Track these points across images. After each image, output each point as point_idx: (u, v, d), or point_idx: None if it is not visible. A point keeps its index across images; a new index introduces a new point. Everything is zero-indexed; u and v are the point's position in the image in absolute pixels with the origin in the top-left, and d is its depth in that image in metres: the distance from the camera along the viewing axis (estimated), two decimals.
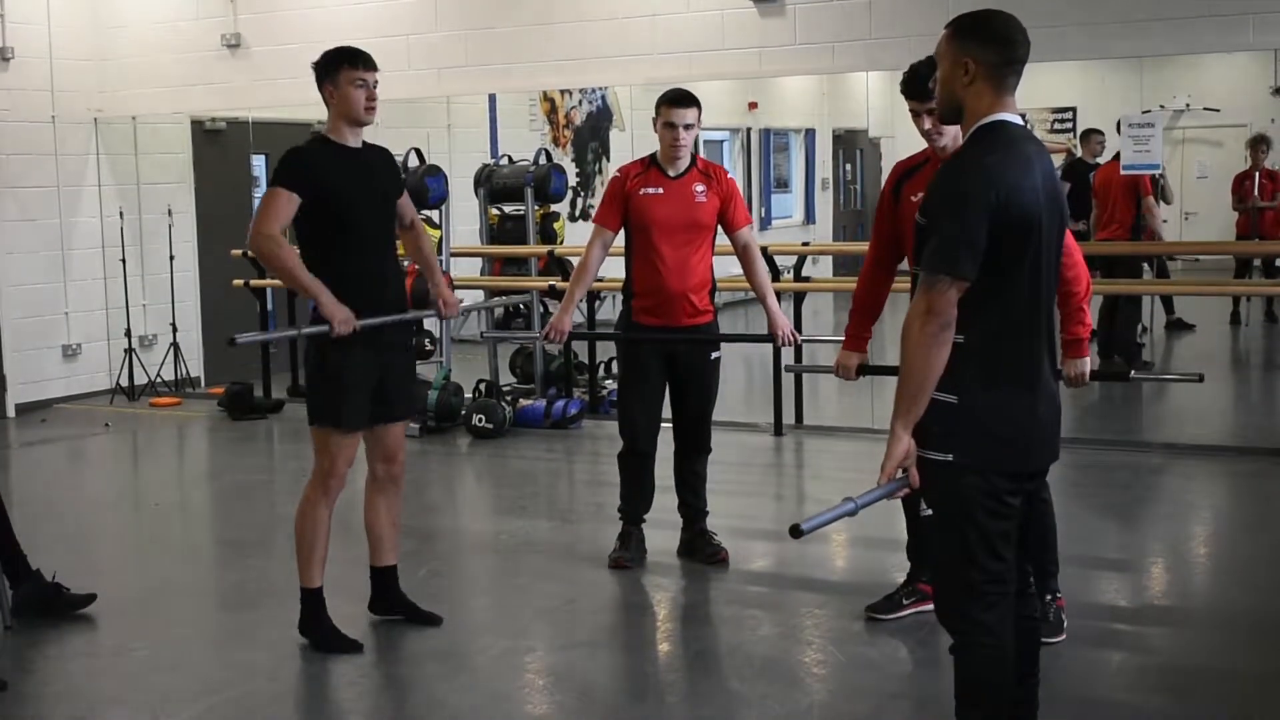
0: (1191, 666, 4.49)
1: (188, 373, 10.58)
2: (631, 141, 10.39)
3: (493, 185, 9.22)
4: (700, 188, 5.47)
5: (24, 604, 5.07)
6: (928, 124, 4.33)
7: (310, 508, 4.69)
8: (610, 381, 8.96)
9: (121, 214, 10.31)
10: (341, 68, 4.58)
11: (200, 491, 8.14)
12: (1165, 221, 9.83)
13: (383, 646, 4.76)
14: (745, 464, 7.83)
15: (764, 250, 8.68)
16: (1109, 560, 5.66)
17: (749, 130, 14.48)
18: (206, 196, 10.81)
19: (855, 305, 4.78)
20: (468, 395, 8.82)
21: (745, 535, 5.96)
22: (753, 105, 14.24)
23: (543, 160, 9.24)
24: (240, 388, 9.62)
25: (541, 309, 9.21)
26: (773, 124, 14.77)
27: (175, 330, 10.41)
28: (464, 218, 9.75)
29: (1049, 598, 4.57)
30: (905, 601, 4.86)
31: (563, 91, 11.97)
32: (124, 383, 10.28)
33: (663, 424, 5.66)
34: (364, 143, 4.73)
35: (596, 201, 5.74)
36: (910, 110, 4.46)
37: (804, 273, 8.82)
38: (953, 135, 4.21)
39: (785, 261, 8.67)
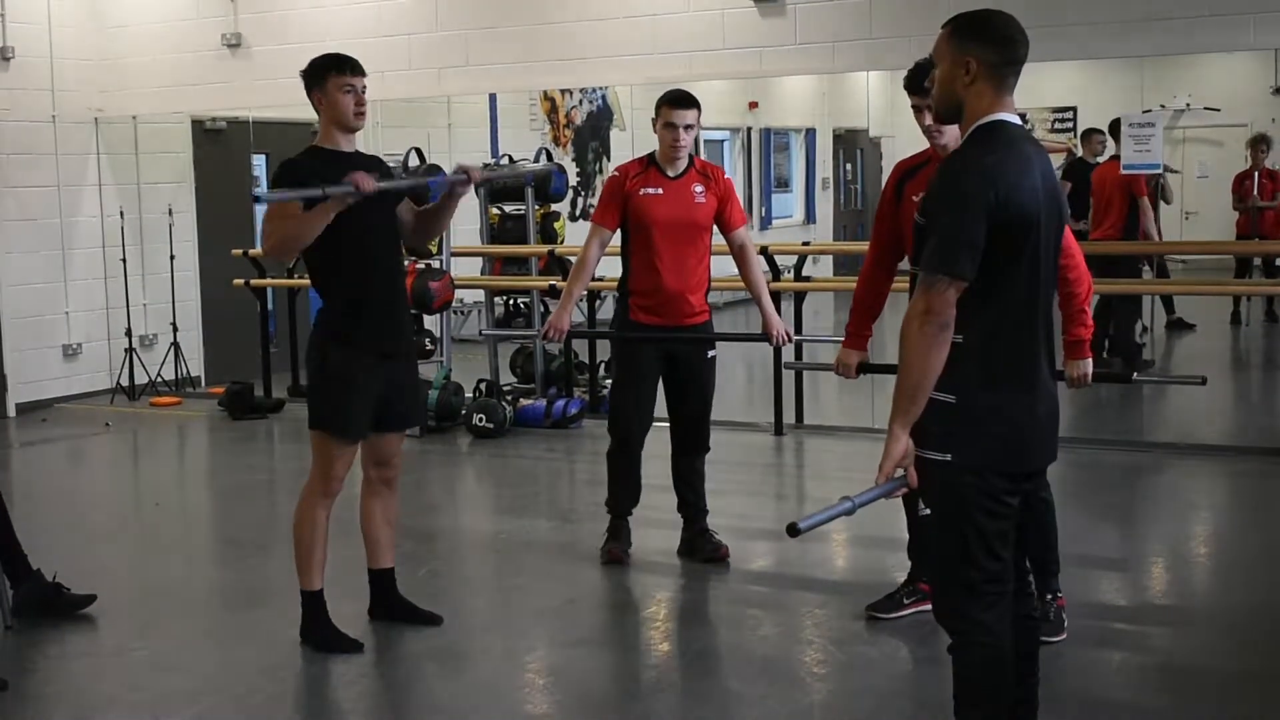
0: (1191, 666, 4.49)
1: (188, 372, 10.58)
2: (632, 141, 10.39)
3: (493, 185, 9.22)
4: (699, 188, 5.49)
5: (24, 604, 5.07)
6: (929, 119, 4.33)
7: (308, 510, 4.68)
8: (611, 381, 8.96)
9: (122, 213, 10.31)
10: (329, 74, 4.57)
11: (200, 491, 8.15)
12: (1159, 214, 9.80)
13: (383, 646, 4.76)
14: (745, 464, 7.82)
15: (764, 250, 8.74)
16: (1109, 560, 5.66)
17: (749, 130, 14.47)
18: (207, 196, 10.81)
19: (855, 304, 4.78)
20: (468, 395, 8.82)
21: (745, 535, 5.96)
22: (753, 105, 14.22)
23: (543, 160, 9.24)
24: (241, 387, 9.62)
25: (542, 308, 9.21)
26: (773, 124, 14.75)
27: (176, 330, 10.41)
28: (465, 217, 9.74)
29: (1050, 597, 4.57)
30: (906, 601, 4.86)
31: (563, 91, 11.97)
32: (124, 382, 10.28)
33: (657, 424, 5.66)
34: (356, 151, 4.72)
35: (597, 201, 5.74)
36: (913, 106, 4.46)
37: (804, 272, 8.82)
38: (953, 134, 4.21)
39: (786, 261, 8.67)
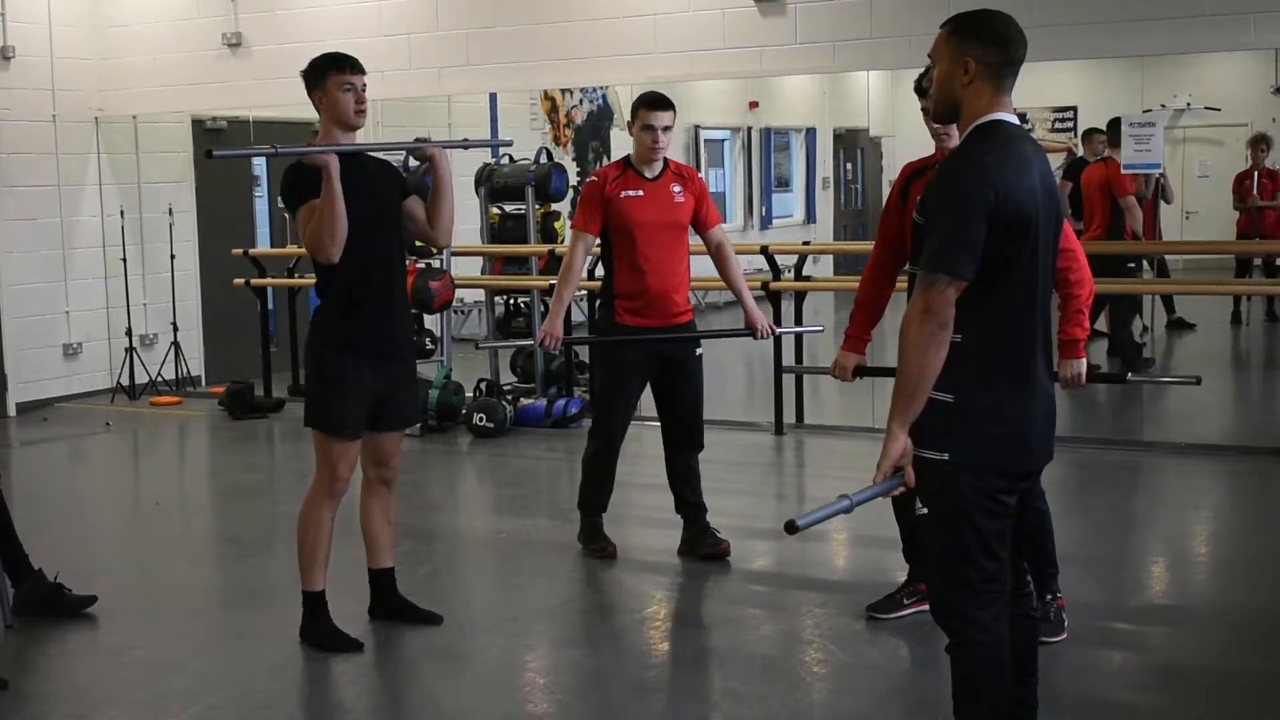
0: (1191, 666, 4.49)
1: (188, 372, 10.58)
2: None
3: (493, 184, 9.22)
4: (677, 188, 5.56)
5: (25, 603, 5.08)
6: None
7: (313, 511, 4.69)
8: None
9: (122, 213, 10.31)
10: (328, 73, 4.57)
11: (201, 490, 8.15)
12: (1159, 215, 9.80)
13: (383, 646, 4.76)
14: (746, 463, 7.83)
15: (765, 250, 8.76)
16: (1109, 560, 5.66)
17: (750, 129, 14.48)
18: (207, 196, 10.81)
19: (856, 306, 4.77)
20: (468, 394, 8.82)
21: (746, 534, 5.96)
22: (753, 104, 14.23)
23: (543, 159, 9.24)
24: (241, 387, 9.63)
25: (542, 308, 9.21)
26: (773, 123, 14.75)
27: (176, 329, 10.42)
28: (465, 216, 9.74)
29: (1049, 597, 4.57)
30: (906, 601, 4.86)
31: (563, 90, 11.97)
32: (125, 382, 10.29)
33: (649, 424, 5.67)
34: (360, 149, 4.72)
35: (576, 206, 5.77)
36: (922, 108, 4.45)
37: (804, 272, 8.82)
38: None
39: (786, 261, 8.67)
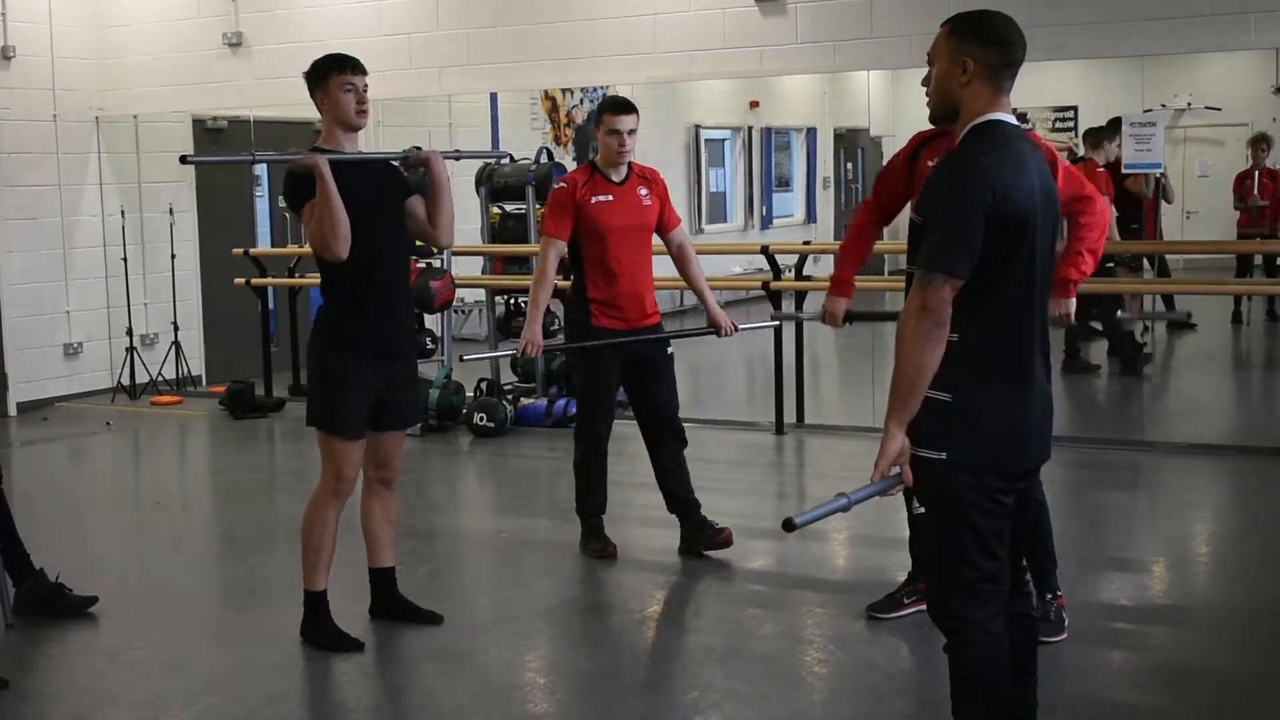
0: (1192, 666, 4.49)
1: (189, 371, 10.58)
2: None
3: (494, 184, 9.22)
4: (644, 191, 5.66)
5: (26, 603, 5.08)
6: None
7: (319, 511, 4.69)
8: None
9: (123, 212, 10.32)
10: (330, 73, 4.58)
11: (201, 490, 8.15)
12: (1160, 214, 9.78)
13: (384, 645, 4.77)
14: (746, 463, 7.83)
15: (765, 249, 8.76)
16: (1109, 559, 5.67)
17: (750, 129, 14.48)
18: (208, 195, 10.81)
19: (843, 252, 4.81)
20: (469, 394, 8.83)
21: (746, 534, 5.95)
22: (754, 104, 14.23)
23: (544, 159, 9.24)
24: (241, 386, 9.63)
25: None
26: (774, 123, 14.75)
27: (176, 329, 10.42)
28: (465, 216, 9.74)
29: (1049, 597, 4.57)
30: (906, 600, 4.86)
31: (564, 90, 11.97)
32: (125, 381, 10.29)
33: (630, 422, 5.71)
34: (360, 151, 4.72)
35: (545, 213, 5.80)
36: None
37: (805, 272, 8.82)
38: None
39: (786, 260, 8.68)
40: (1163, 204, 9.75)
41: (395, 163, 4.82)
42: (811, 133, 15.12)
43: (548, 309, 7.22)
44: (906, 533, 5.00)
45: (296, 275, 9.98)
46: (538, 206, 9.24)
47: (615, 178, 5.62)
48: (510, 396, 8.87)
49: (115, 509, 7.36)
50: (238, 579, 5.85)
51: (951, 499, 3.09)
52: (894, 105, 12.02)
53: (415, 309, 7.93)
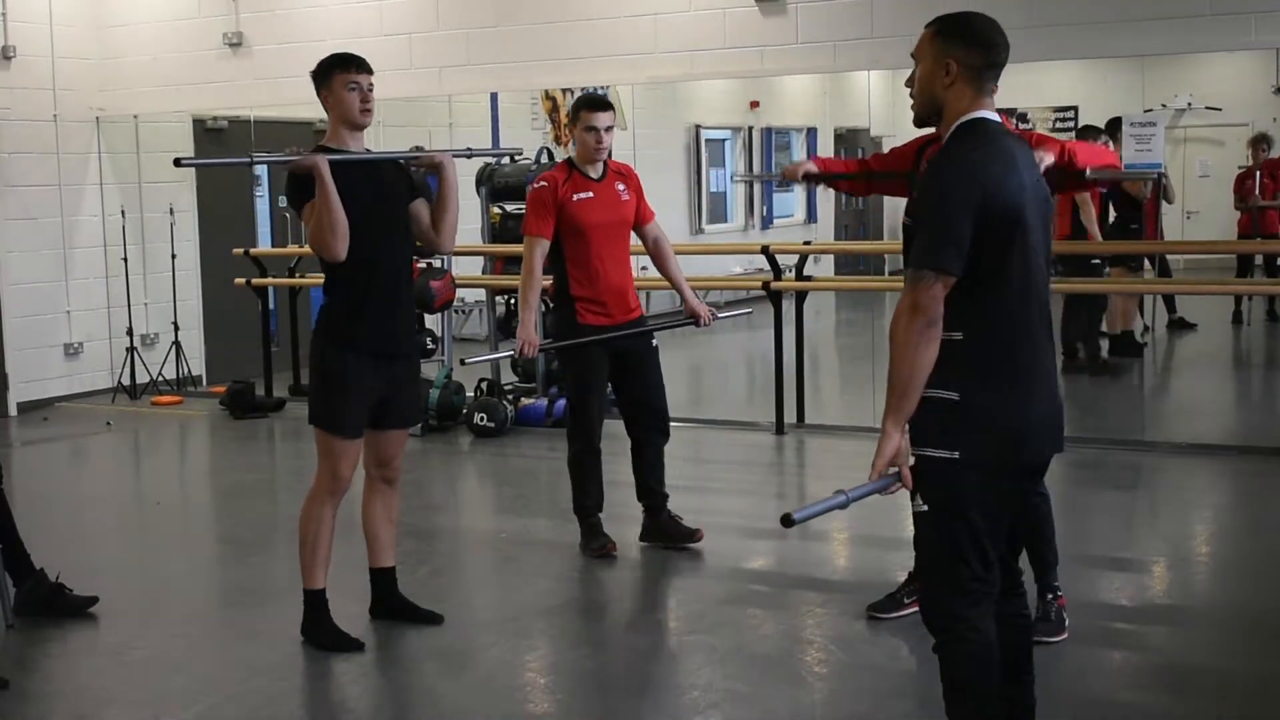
0: (1192, 666, 4.49)
1: (189, 371, 10.59)
2: (633, 140, 10.40)
3: (494, 184, 9.22)
4: (621, 187, 5.75)
5: (26, 602, 5.08)
6: None
7: (315, 508, 4.69)
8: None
9: (123, 212, 10.32)
10: (335, 72, 4.60)
11: (201, 490, 8.15)
12: (1160, 214, 9.78)
13: (384, 645, 4.77)
14: (746, 463, 7.83)
15: (765, 249, 8.76)
16: (1110, 559, 5.66)
17: (750, 129, 14.48)
18: (208, 195, 10.82)
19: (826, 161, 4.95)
20: (469, 394, 8.83)
21: (746, 534, 5.96)
22: (754, 104, 14.23)
23: (544, 159, 9.24)
24: (242, 386, 9.63)
25: (543, 308, 9.19)
26: (774, 123, 14.76)
27: (177, 329, 10.42)
28: (466, 216, 9.73)
29: (1050, 596, 4.57)
30: (906, 600, 4.86)
31: (564, 90, 11.96)
32: (125, 381, 10.30)
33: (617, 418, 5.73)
34: (366, 150, 4.73)
35: (526, 212, 5.84)
36: None
37: (805, 272, 8.82)
38: None
39: (787, 260, 8.67)
40: (1163, 204, 9.75)
41: (403, 162, 4.83)
42: (812, 133, 15.12)
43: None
44: (906, 532, 5.01)
45: (297, 275, 9.98)
46: None
47: (593, 174, 5.69)
48: (510, 396, 8.87)
49: (115, 509, 7.36)
50: (238, 579, 5.85)
51: (957, 498, 3.09)
52: (894, 105, 12.00)
53: (416, 309, 7.93)
